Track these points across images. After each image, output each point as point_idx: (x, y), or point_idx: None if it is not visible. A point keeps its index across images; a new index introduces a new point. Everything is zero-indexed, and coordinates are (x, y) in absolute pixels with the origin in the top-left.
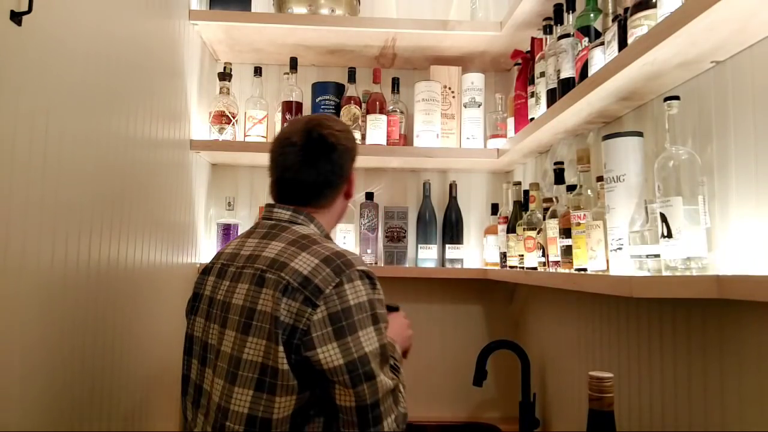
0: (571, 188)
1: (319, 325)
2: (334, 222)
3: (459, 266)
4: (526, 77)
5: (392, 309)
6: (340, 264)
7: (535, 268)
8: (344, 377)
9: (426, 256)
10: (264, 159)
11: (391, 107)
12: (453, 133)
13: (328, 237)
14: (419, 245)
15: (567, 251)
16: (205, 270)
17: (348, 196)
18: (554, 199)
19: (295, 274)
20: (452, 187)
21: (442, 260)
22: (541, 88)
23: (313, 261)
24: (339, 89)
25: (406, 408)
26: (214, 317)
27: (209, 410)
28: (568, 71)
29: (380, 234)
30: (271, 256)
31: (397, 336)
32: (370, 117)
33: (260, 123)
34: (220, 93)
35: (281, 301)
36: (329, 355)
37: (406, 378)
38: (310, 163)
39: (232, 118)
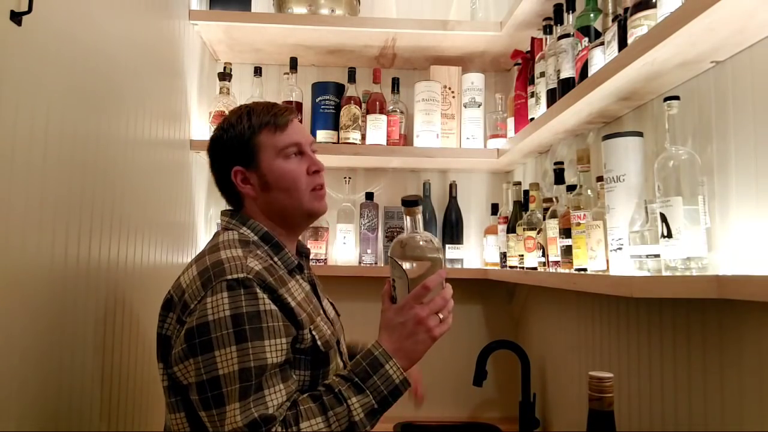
0: (571, 188)
1: (179, 341)
2: (276, 217)
3: (459, 266)
4: (526, 77)
5: (412, 203)
6: (211, 275)
7: (535, 268)
8: (195, 397)
9: None
10: None
11: (391, 107)
12: (453, 133)
13: (266, 237)
14: None
15: (567, 251)
16: None
17: (266, 187)
18: (554, 199)
19: (177, 289)
20: (452, 187)
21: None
22: (541, 88)
23: (193, 273)
24: (339, 89)
25: None
26: None
27: None
28: (568, 71)
29: (380, 234)
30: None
31: (399, 340)
32: (370, 117)
33: None
34: (220, 93)
35: (164, 316)
36: (184, 372)
37: None
38: (211, 159)
39: None
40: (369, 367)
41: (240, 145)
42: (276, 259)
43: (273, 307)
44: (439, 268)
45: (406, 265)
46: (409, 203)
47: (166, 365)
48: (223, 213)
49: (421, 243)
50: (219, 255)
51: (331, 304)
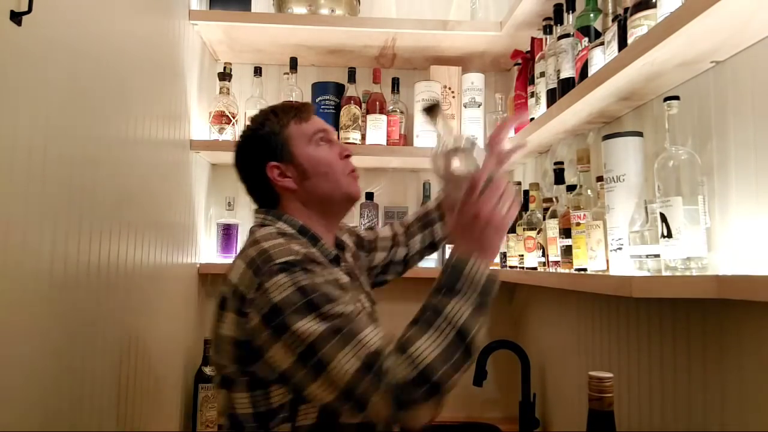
0: (571, 188)
1: (257, 332)
2: (316, 206)
3: None
4: (526, 77)
5: (431, 108)
6: (259, 263)
7: (535, 268)
8: (298, 378)
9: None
10: None
11: (391, 107)
12: None
13: (302, 230)
14: None
15: (567, 251)
16: None
17: (305, 176)
18: (554, 199)
19: (228, 286)
20: None
21: (443, 260)
22: (541, 88)
23: (241, 267)
24: (339, 89)
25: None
26: None
27: None
28: (568, 71)
29: None
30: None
31: (470, 242)
32: (370, 117)
33: None
34: (220, 93)
35: (220, 315)
36: (273, 362)
37: None
38: (241, 167)
39: (232, 118)
40: (453, 273)
41: (272, 141)
42: (314, 250)
43: (329, 277)
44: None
45: (455, 166)
46: (430, 109)
47: (241, 364)
48: (257, 211)
49: (459, 144)
50: (262, 246)
51: (367, 293)
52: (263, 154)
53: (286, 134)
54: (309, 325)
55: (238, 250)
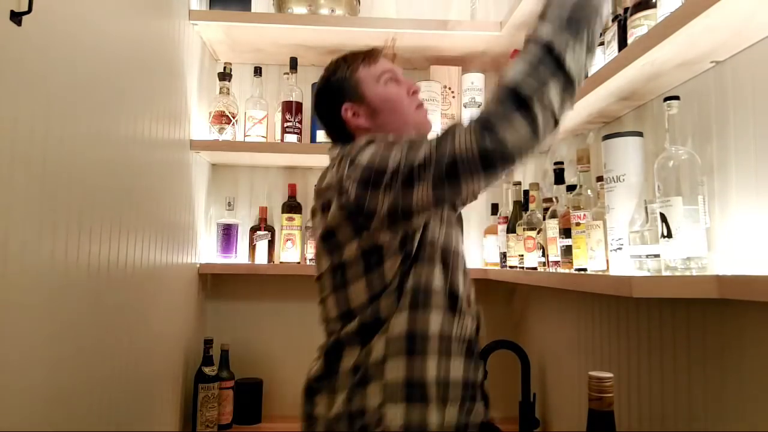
0: (571, 188)
1: (358, 194)
2: (399, 123)
3: None
4: None
5: None
6: (342, 156)
7: (535, 268)
8: (397, 187)
9: None
10: (264, 159)
11: None
12: None
13: None
14: None
15: (567, 251)
16: None
17: (375, 114)
18: (554, 199)
19: (320, 193)
20: None
21: None
22: None
23: (330, 172)
24: None
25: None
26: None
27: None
28: None
29: None
30: None
31: None
32: None
33: (260, 123)
34: (220, 93)
35: (323, 216)
36: (379, 199)
37: None
38: (319, 115)
39: (232, 118)
40: (543, 12)
41: (344, 85)
42: None
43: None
44: None
45: None
46: None
47: (359, 236)
48: (334, 146)
49: None
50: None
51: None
52: (337, 97)
53: (356, 77)
54: (396, 151)
55: (238, 250)
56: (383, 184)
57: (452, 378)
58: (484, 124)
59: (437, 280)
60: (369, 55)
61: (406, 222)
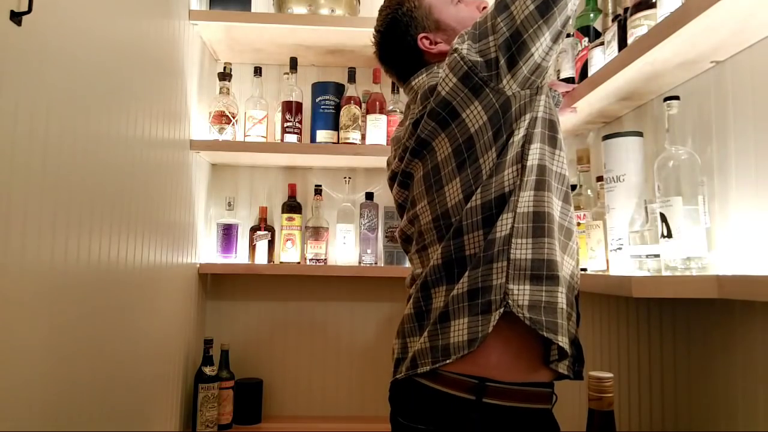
0: (571, 188)
1: (462, 56)
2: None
3: None
4: None
5: None
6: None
7: None
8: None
9: None
10: (263, 159)
11: (391, 107)
12: None
13: None
14: None
15: None
16: None
17: (454, 36)
18: None
19: (424, 97)
20: None
21: None
22: None
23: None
24: (339, 89)
25: None
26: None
27: None
28: (567, 71)
29: (380, 234)
30: None
31: None
32: (370, 117)
33: (260, 123)
34: (220, 93)
35: (427, 104)
36: (488, 44)
37: None
38: (388, 55)
39: (232, 118)
40: None
41: (415, 14)
42: None
43: None
44: None
45: None
46: None
47: (475, 96)
48: (407, 82)
49: None
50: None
51: None
52: (410, 30)
53: (426, 5)
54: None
55: (238, 250)
56: (491, 27)
57: (572, 271)
58: None
59: (552, 162)
60: None
61: (522, 56)
